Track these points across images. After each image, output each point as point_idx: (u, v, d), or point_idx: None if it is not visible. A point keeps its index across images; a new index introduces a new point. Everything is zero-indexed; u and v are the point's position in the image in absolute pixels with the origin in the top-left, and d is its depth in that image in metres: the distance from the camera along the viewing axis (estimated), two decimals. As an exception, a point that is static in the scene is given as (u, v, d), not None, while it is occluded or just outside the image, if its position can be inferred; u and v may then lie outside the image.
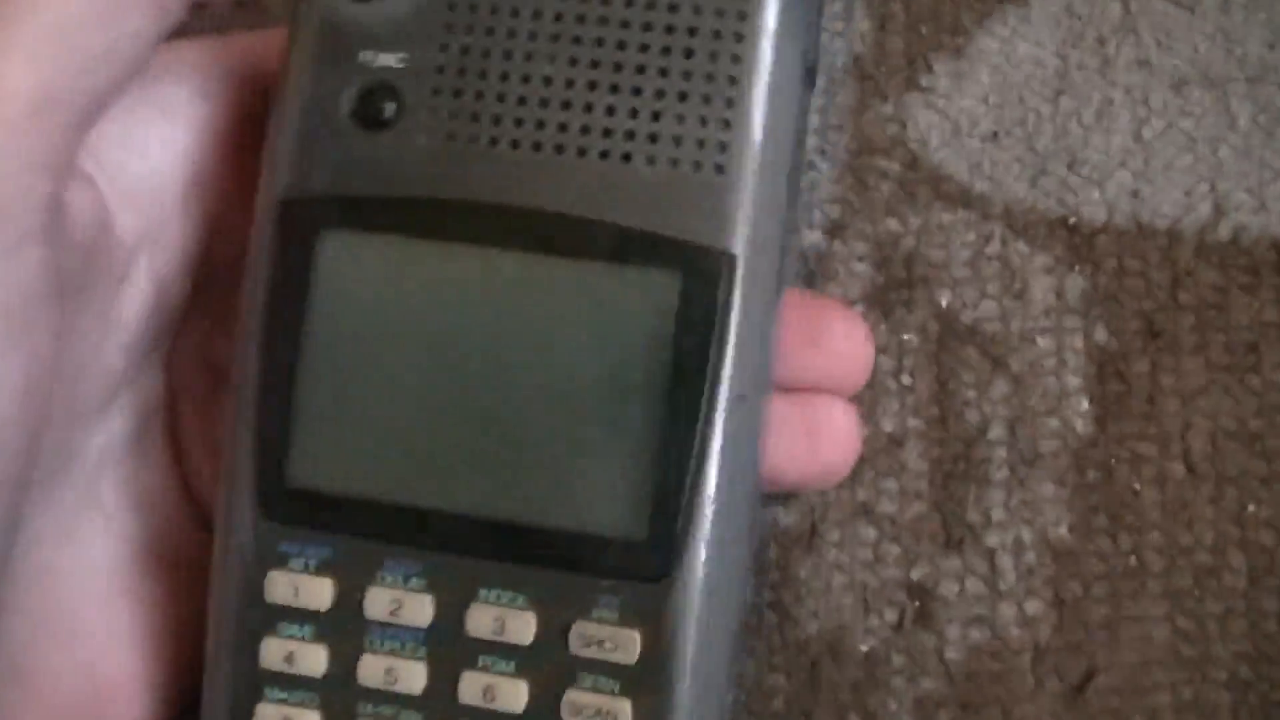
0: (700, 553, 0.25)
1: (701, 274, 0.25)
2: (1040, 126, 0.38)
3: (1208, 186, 0.37)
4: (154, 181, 0.28)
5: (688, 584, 0.25)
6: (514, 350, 0.25)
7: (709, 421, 0.25)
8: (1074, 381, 0.37)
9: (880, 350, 0.37)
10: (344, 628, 0.26)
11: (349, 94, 0.26)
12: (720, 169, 0.25)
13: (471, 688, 0.25)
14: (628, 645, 0.25)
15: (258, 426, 0.26)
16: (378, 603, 0.25)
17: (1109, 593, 0.35)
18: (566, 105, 0.25)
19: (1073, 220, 0.38)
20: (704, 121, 0.25)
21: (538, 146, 0.25)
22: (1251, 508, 0.35)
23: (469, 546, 0.25)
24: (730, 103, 0.25)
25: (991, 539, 0.36)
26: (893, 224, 0.38)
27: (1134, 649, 0.35)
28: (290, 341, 0.25)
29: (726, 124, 0.25)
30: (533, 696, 0.25)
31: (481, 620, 0.25)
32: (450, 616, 0.25)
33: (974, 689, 0.35)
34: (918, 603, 0.36)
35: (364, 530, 0.25)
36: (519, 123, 0.25)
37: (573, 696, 0.25)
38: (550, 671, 0.25)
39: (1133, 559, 0.36)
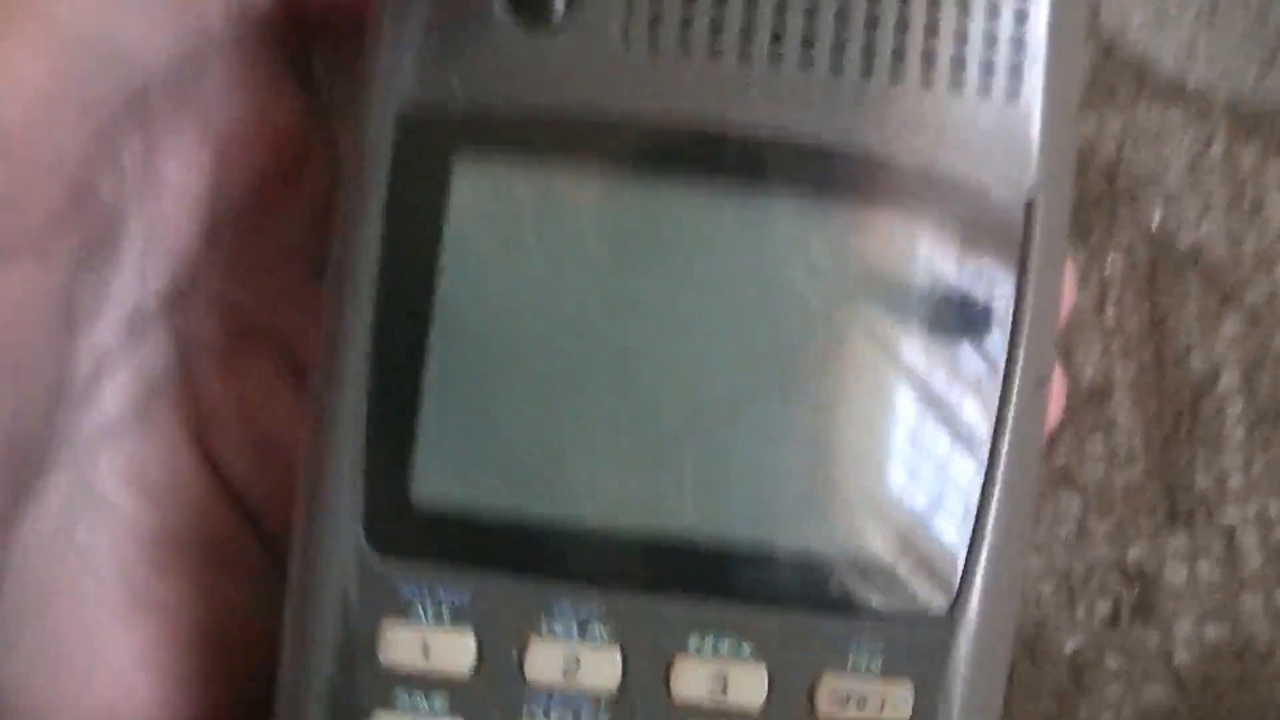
0: (989, 578, 0.19)
1: (992, 225, 0.19)
2: None
3: None
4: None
5: (973, 618, 0.19)
6: (729, 320, 0.19)
7: (1003, 412, 0.19)
8: (1327, 315, 0.30)
9: (1078, 282, 0.31)
10: (493, 697, 0.20)
11: None
12: (1012, 96, 0.20)
13: None
14: (897, 701, 0.19)
15: (367, 427, 0.20)
16: (545, 661, 0.20)
17: (1385, 577, 0.29)
18: (813, 10, 0.19)
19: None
20: (991, 38, 0.20)
21: (777, 60, 0.19)
22: None
23: (670, 581, 0.20)
24: (1021, 15, 0.20)
25: (1229, 513, 0.30)
26: (1088, 126, 0.32)
27: None
28: (415, 310, 0.20)
29: (1019, 42, 0.20)
30: None
31: (693, 679, 0.20)
32: (647, 676, 0.20)
33: (1211, 699, 0.30)
34: (1136, 590, 0.30)
35: (520, 564, 0.20)
36: (748, 30, 0.19)
37: None
38: None
39: None
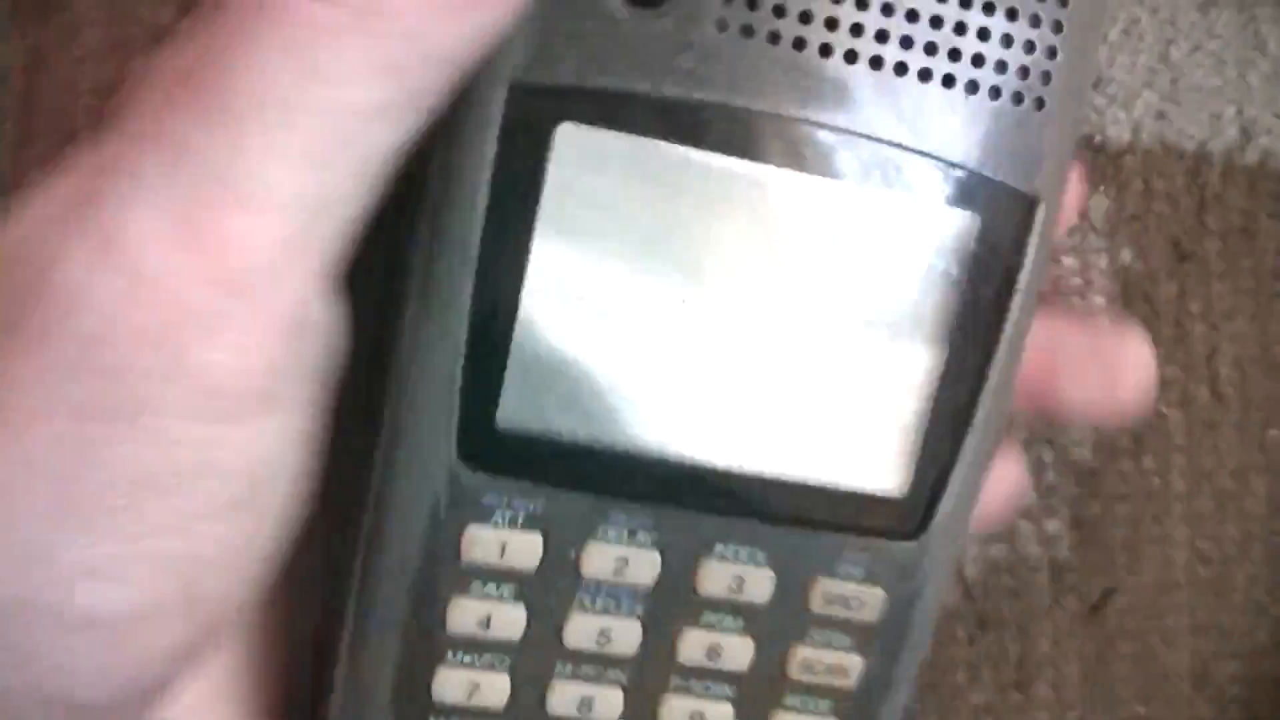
0: (952, 510, 0.23)
1: (1004, 217, 0.22)
2: (1068, 37, 0.37)
3: (1235, 110, 0.37)
4: None
5: (938, 542, 0.23)
6: (778, 283, 0.22)
7: (985, 378, 0.22)
8: (1099, 302, 0.36)
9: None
10: (551, 587, 0.23)
11: None
12: (1040, 104, 0.22)
13: (693, 647, 0.23)
14: (872, 603, 0.23)
15: (465, 360, 0.21)
16: (598, 560, 0.22)
17: (1130, 514, 0.36)
18: (889, 9, 0.21)
19: (1098, 139, 0.37)
20: (1030, 47, 0.22)
21: (851, 58, 0.21)
22: (1274, 432, 0.35)
23: (702, 501, 0.23)
24: (1059, 26, 0.22)
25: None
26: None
27: (1153, 570, 0.35)
28: (512, 260, 0.21)
29: (1053, 52, 0.22)
30: (757, 654, 0.23)
31: (716, 578, 0.23)
32: (678, 574, 0.23)
33: (991, 605, 0.35)
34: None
35: (584, 482, 0.22)
36: (833, 25, 0.21)
37: (804, 653, 0.23)
38: (780, 629, 0.23)
39: (1156, 481, 0.36)
